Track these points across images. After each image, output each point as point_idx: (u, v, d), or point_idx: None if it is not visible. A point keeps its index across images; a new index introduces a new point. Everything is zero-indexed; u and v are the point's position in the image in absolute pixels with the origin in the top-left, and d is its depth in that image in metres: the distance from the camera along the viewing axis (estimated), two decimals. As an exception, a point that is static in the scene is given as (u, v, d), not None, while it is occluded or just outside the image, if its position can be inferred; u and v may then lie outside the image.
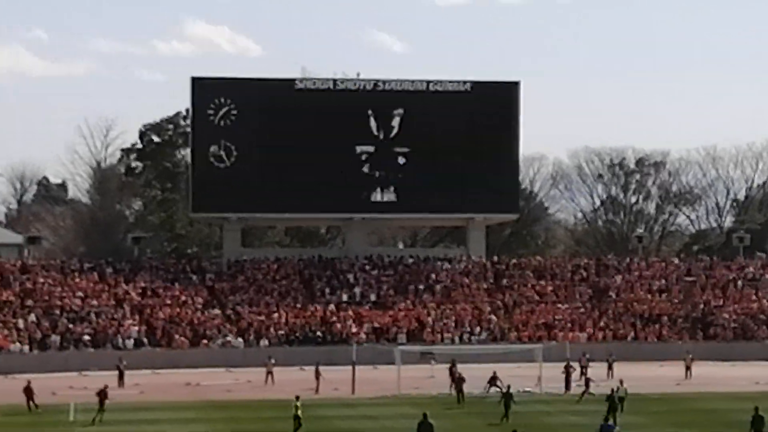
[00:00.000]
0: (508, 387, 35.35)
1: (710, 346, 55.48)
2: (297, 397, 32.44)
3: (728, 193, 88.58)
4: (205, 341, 53.55)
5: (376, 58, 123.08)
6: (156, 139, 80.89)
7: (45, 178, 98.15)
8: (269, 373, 44.72)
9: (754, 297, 60.55)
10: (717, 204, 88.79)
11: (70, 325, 53.06)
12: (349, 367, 41.67)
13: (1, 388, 43.83)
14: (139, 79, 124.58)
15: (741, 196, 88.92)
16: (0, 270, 56.96)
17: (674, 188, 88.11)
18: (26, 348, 51.37)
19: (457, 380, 38.91)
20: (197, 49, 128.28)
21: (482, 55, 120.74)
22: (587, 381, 39.80)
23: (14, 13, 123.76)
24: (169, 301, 55.94)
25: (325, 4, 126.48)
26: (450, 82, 61.92)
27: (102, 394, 34.88)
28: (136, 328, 53.40)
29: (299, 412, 31.41)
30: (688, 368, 46.95)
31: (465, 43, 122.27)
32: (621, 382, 36.11)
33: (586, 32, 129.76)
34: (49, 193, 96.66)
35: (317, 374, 42.02)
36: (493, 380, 39.97)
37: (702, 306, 59.83)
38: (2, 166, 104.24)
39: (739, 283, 62.10)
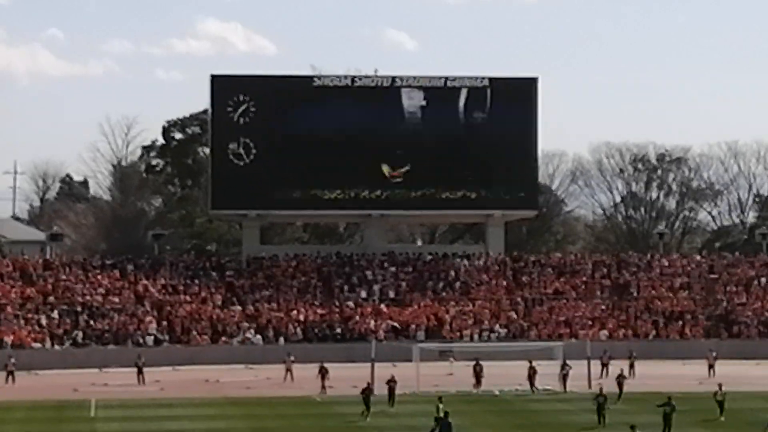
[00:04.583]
0: (600, 390, 34.38)
1: (734, 344, 54.82)
2: (440, 398, 32.16)
3: (750, 188, 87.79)
4: (224, 338, 53.70)
5: (389, 56, 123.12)
6: (179, 135, 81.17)
7: (67, 175, 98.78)
8: (288, 370, 44.77)
9: (778, 294, 59.89)
10: (739, 200, 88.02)
11: (91, 322, 53.35)
12: (368, 364, 41.65)
13: (24, 384, 44.08)
14: (157, 77, 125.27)
15: (764, 191, 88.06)
16: (23, 267, 57.33)
17: (695, 184, 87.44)
18: (48, 344, 51.70)
19: (389, 381, 36.96)
20: (213, 48, 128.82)
21: (496, 52, 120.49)
22: (620, 380, 38.83)
23: (29, 13, 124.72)
24: (188, 298, 56.11)
25: (336, 2, 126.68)
26: (468, 78, 61.72)
27: (367, 391, 34.98)
28: (156, 324, 53.61)
29: (441, 413, 30.59)
30: (711, 367, 46.47)
31: (479, 40, 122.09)
32: (720, 386, 35.25)
33: (605, 27, 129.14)
34: (72, 190, 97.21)
35: (322, 373, 41.26)
36: (620, 378, 38.84)
37: (725, 303, 59.32)
38: (25, 163, 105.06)
39: (763, 280, 61.42)
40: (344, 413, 36.04)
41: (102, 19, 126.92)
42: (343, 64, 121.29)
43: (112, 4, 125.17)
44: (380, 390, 37.93)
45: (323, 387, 40.99)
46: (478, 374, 42.25)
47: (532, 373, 41.49)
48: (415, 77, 61.60)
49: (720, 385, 35.31)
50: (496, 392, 41.04)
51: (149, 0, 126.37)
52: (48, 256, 61.04)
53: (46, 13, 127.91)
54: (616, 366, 45.25)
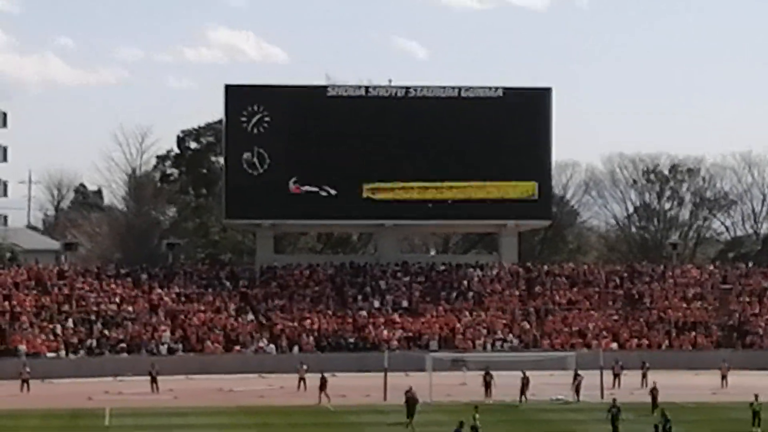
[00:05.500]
0: (614, 401, 33.94)
1: (747, 354, 54.87)
2: (476, 408, 32.07)
3: (764, 198, 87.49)
4: (238, 347, 53.89)
5: (400, 64, 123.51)
6: (194, 145, 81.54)
7: (82, 185, 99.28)
8: (301, 379, 44.85)
9: (791, 305, 59.74)
10: (753, 210, 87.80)
11: (106, 331, 53.63)
12: (381, 374, 41.73)
13: (39, 392, 44.34)
14: (169, 85, 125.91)
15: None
16: (38, 276, 57.71)
17: (709, 194, 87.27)
18: (62, 353, 52.00)
19: (409, 398, 35.71)
20: (225, 56, 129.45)
21: (507, 61, 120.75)
22: (653, 393, 38.28)
23: (40, 21, 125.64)
24: (202, 307, 56.34)
25: (347, 11, 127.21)
26: (481, 88, 61.86)
27: (411, 400, 34.97)
28: (170, 333, 53.84)
29: (477, 422, 30.64)
30: (724, 377, 46.48)
31: (489, 49, 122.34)
32: (756, 396, 35.00)
33: (617, 36, 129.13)
34: (86, 200, 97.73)
35: (322, 384, 40.94)
36: (653, 393, 38.60)
37: (738, 314, 59.19)
38: (40, 173, 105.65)
39: (776, 290, 61.35)
40: (357, 422, 36.10)
41: (112, 26, 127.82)
42: (353, 73, 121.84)
43: (122, 11, 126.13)
44: (396, 400, 38.02)
45: (326, 396, 40.89)
46: (488, 384, 42.26)
47: (524, 383, 41.38)
48: (428, 87, 61.80)
49: (756, 396, 34.98)
50: (518, 402, 40.87)
51: (159, 8, 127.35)
52: (62, 266, 61.40)
53: (57, 21, 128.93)
54: (629, 376, 45.26)
